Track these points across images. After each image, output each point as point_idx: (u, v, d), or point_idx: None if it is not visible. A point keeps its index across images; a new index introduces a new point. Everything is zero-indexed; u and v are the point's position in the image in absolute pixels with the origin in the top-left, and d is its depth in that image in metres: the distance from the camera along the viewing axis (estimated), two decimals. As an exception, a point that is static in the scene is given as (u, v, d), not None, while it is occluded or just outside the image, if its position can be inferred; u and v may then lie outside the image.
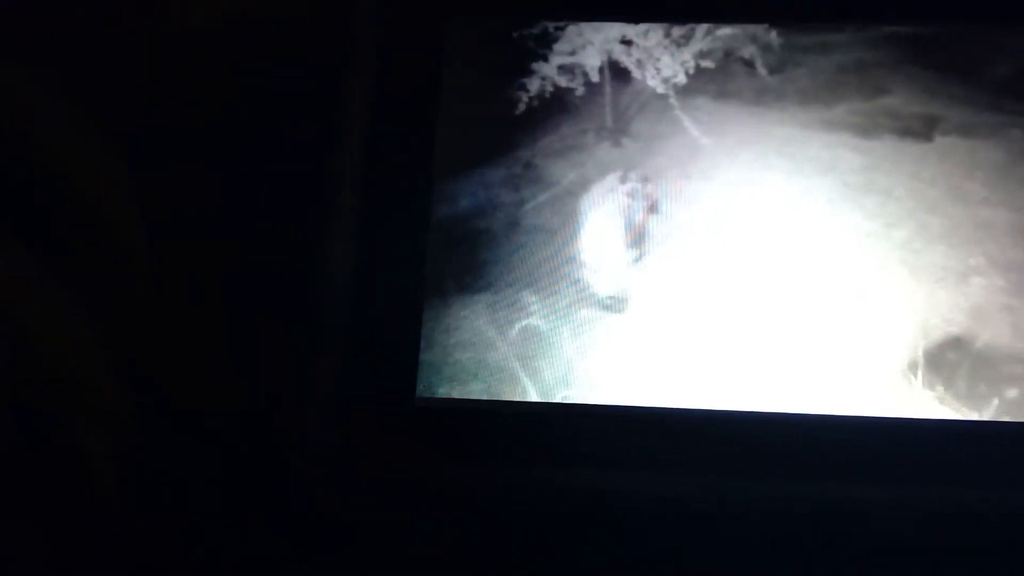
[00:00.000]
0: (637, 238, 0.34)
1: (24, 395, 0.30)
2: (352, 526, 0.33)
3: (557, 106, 0.35)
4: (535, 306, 0.34)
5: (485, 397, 0.33)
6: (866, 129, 0.35)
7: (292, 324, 0.34)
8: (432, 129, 0.35)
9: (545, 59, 0.36)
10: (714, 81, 0.35)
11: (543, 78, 0.36)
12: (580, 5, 0.36)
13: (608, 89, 0.36)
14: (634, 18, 0.36)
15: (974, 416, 0.32)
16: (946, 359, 0.32)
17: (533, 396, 0.33)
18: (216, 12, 0.36)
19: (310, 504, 0.33)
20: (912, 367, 0.33)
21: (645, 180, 0.35)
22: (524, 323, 0.34)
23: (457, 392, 0.33)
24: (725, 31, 0.36)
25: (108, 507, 0.32)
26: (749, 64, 0.35)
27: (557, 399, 0.33)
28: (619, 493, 0.32)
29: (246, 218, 0.35)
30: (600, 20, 0.36)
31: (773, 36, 0.36)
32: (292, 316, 0.34)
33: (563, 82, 0.36)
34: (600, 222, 0.34)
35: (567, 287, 0.34)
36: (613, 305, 0.34)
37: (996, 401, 0.32)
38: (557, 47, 0.36)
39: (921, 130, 0.35)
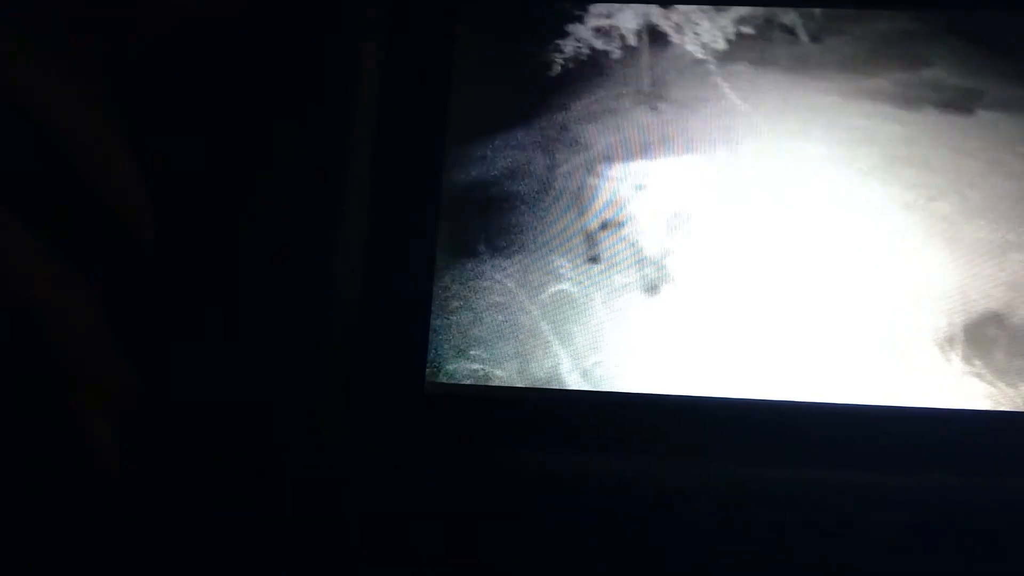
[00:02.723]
0: (670, 207, 0.34)
1: (28, 374, 0.30)
2: (359, 513, 0.33)
3: (592, 69, 0.35)
4: (566, 271, 0.33)
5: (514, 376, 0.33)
6: (907, 100, 0.34)
7: (300, 314, 0.33)
8: (446, 95, 0.35)
9: (580, 20, 0.35)
10: (754, 48, 0.35)
11: (578, 40, 0.35)
12: None
13: (645, 53, 0.35)
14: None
15: (1011, 393, 0.32)
16: (985, 334, 0.32)
17: (566, 362, 0.33)
18: None
19: (317, 490, 0.33)
20: (951, 341, 0.32)
21: (681, 149, 0.34)
22: (555, 288, 0.33)
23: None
24: (766, -3, 0.35)
25: (111, 490, 0.32)
26: (790, 31, 0.35)
27: (588, 364, 0.33)
28: (631, 479, 0.32)
29: (254, 215, 0.34)
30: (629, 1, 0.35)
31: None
32: (300, 307, 0.33)
33: (599, 45, 0.35)
34: (632, 187, 0.34)
35: (597, 253, 0.34)
36: (648, 278, 0.33)
37: (1035, 377, 0.32)
38: (593, 9, 0.35)
39: (963, 103, 0.34)
